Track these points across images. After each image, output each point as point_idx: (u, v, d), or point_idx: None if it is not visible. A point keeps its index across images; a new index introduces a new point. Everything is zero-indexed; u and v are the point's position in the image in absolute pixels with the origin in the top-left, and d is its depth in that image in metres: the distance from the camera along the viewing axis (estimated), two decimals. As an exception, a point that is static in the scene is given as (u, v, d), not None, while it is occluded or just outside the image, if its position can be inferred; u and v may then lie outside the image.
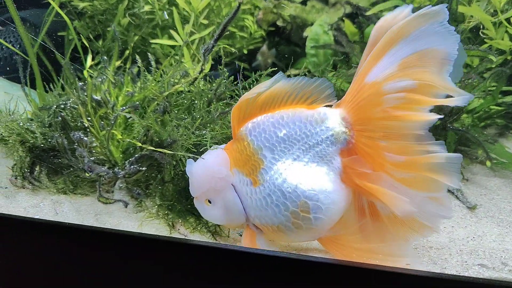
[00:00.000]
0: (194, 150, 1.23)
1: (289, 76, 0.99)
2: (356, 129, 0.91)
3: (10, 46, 1.86)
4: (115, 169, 1.44)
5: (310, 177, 0.91)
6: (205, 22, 1.81)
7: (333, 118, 0.94)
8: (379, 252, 0.91)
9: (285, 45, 2.37)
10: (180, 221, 1.31)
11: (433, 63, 0.80)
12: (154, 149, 1.24)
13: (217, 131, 1.27)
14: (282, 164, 0.94)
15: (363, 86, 0.88)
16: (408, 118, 0.82)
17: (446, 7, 0.78)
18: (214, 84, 1.37)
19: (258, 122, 0.98)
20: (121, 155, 1.44)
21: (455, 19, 1.76)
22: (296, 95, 0.96)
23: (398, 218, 0.89)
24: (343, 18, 2.09)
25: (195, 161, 1.06)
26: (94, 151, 1.50)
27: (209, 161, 1.03)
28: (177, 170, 1.30)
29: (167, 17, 1.87)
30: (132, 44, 1.81)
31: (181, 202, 1.34)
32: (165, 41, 1.70)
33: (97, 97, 1.46)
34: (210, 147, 1.18)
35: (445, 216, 0.88)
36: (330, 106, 0.98)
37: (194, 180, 1.04)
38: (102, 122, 1.49)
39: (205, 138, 1.22)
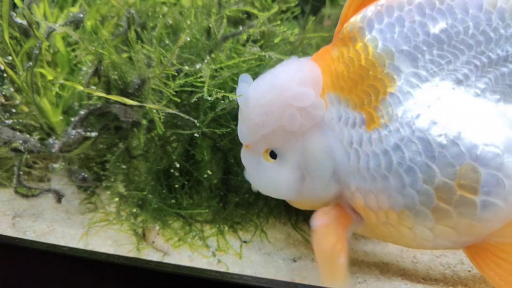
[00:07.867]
0: (178, 99, 0.65)
1: None
2: None
3: None
4: (50, 139, 0.84)
5: (488, 121, 0.57)
6: None
7: None
8: None
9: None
10: (157, 226, 0.71)
11: None
12: (111, 96, 0.65)
13: (222, 64, 0.68)
14: (431, 89, 0.57)
15: None
16: None
17: None
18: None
19: (389, 4, 0.61)
20: (61, 117, 0.84)
21: None
22: None
23: None
24: None
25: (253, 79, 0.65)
26: (17, 111, 0.91)
27: (285, 76, 0.62)
28: (152, 136, 0.82)
29: None
30: None
31: (159, 193, 0.78)
32: None
33: (21, 20, 0.87)
34: (208, 92, 0.58)
35: None
36: None
37: (251, 111, 0.64)
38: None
39: (201, 75, 0.63)
